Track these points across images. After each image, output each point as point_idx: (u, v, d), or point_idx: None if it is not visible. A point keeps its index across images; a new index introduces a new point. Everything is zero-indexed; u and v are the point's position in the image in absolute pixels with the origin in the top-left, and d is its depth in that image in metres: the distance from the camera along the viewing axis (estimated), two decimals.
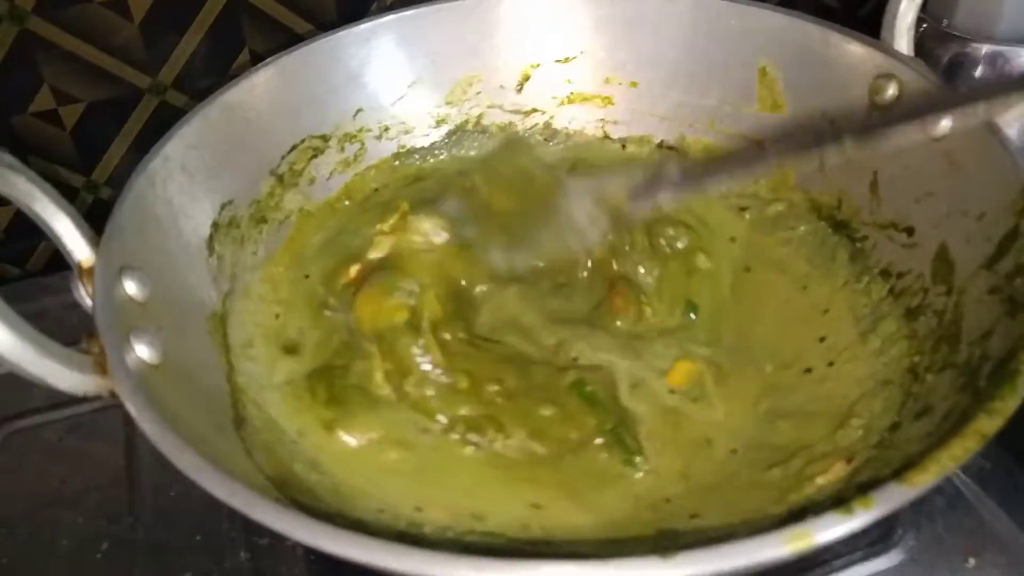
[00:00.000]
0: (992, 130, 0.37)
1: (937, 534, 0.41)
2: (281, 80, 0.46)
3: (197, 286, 0.39)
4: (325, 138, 0.48)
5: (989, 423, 0.26)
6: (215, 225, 0.41)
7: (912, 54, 0.43)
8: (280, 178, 0.46)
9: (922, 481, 0.25)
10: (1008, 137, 0.37)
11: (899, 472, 0.25)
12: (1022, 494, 0.42)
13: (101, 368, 0.29)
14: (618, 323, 0.41)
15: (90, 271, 0.33)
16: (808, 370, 0.39)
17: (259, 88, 0.45)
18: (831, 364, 0.39)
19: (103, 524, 0.40)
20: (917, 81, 0.41)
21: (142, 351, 0.32)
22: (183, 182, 0.40)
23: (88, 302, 0.33)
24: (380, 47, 0.49)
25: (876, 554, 0.40)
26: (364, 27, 0.48)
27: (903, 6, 0.43)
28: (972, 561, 0.40)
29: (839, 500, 0.25)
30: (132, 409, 0.28)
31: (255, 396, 0.37)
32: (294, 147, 0.47)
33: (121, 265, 0.34)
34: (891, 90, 0.42)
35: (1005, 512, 0.41)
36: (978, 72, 0.58)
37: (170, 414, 0.30)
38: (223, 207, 0.42)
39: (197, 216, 0.41)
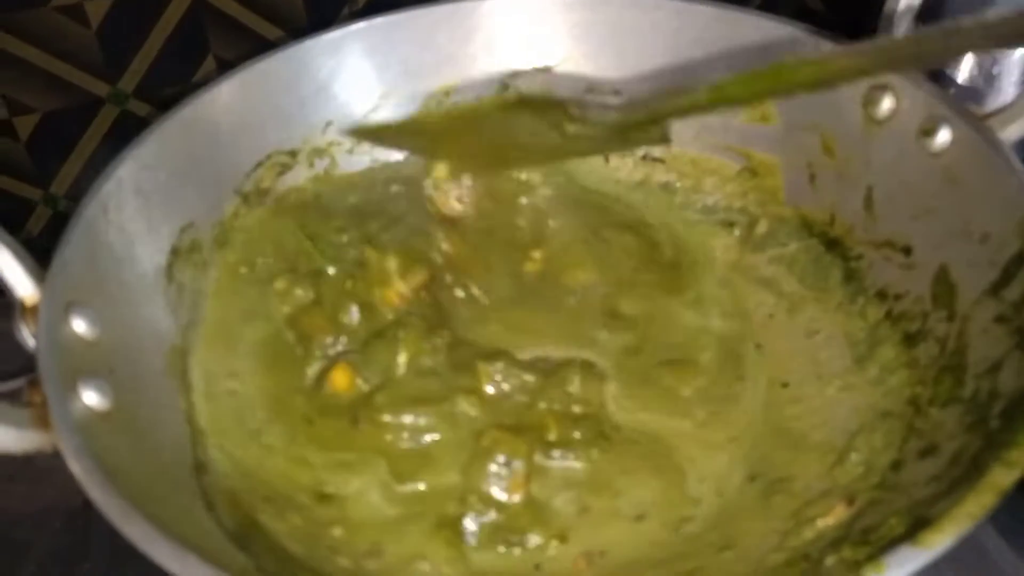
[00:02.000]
0: (994, 145, 0.36)
1: (936, 567, 0.39)
2: (244, 93, 0.43)
3: (154, 319, 0.36)
4: (293, 153, 0.45)
5: (1006, 475, 0.24)
6: (175, 251, 0.39)
7: None
8: (245, 197, 0.43)
9: (938, 543, 0.23)
10: (1012, 154, 0.35)
11: (911, 532, 0.23)
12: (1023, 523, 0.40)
13: (42, 421, 0.27)
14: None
15: (34, 309, 0.31)
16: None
17: (220, 102, 0.42)
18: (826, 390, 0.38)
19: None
20: (913, 93, 0.39)
21: (90, 397, 0.30)
22: (138, 206, 0.38)
23: (31, 344, 0.30)
24: (350, 56, 0.46)
25: None
26: (332, 36, 0.45)
27: (899, 15, 0.41)
28: None
29: (848, 563, 0.23)
30: (77, 470, 0.26)
31: (218, 438, 0.35)
32: (259, 164, 0.44)
33: (69, 301, 0.32)
34: (887, 102, 0.40)
35: (1007, 543, 0.40)
36: (966, 74, 0.56)
37: (121, 469, 0.28)
38: (183, 230, 0.40)
39: (154, 242, 0.38)
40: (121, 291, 0.35)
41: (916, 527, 0.24)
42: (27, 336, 0.31)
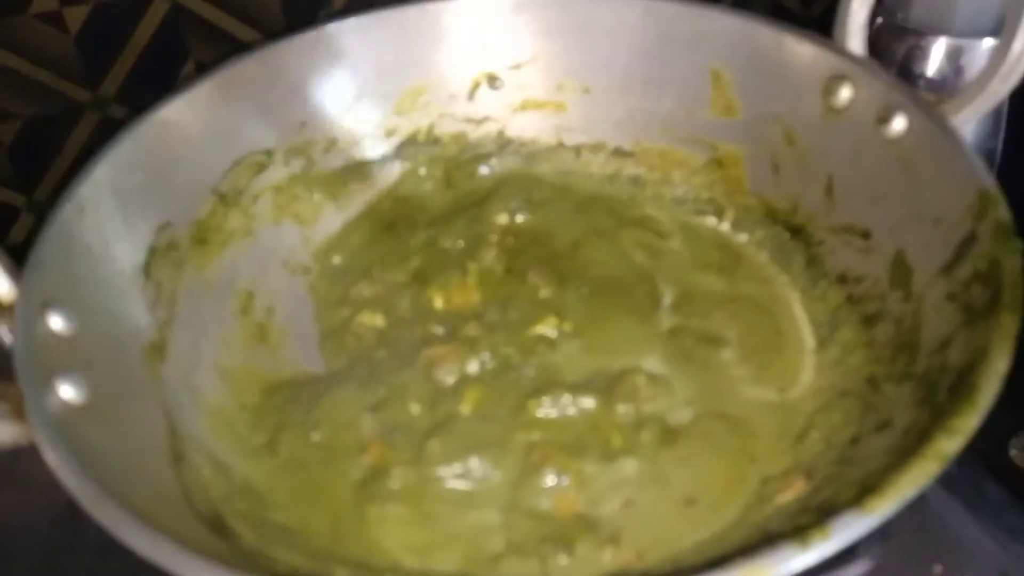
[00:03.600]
0: (947, 131, 0.37)
1: (902, 543, 0.40)
2: (219, 95, 0.44)
3: (132, 316, 0.37)
4: (269, 153, 0.46)
5: (949, 443, 0.25)
6: (152, 250, 0.40)
7: (866, 54, 0.42)
8: (222, 197, 0.44)
9: (880, 507, 0.24)
10: (963, 139, 0.36)
11: (857, 498, 0.24)
12: (989, 500, 0.41)
13: (18, 415, 0.28)
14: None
15: (11, 308, 0.32)
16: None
17: (195, 104, 0.43)
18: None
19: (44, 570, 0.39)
20: (870, 81, 0.40)
21: (67, 392, 0.30)
22: (115, 207, 0.38)
23: (7, 341, 0.31)
24: (323, 58, 0.47)
25: (839, 566, 0.39)
26: (304, 38, 0.46)
27: (855, 4, 0.42)
28: (939, 568, 0.39)
29: (795, 529, 0.24)
30: (51, 459, 0.26)
31: (193, 431, 0.35)
32: (237, 163, 0.45)
33: (44, 300, 0.32)
34: (845, 92, 0.41)
35: (972, 518, 0.40)
36: (935, 66, 0.57)
37: (98, 459, 0.28)
38: (160, 230, 0.40)
39: (131, 241, 0.39)
40: (98, 289, 0.36)
41: (861, 493, 0.24)
42: (5, 333, 0.32)
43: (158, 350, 0.37)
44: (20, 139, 0.59)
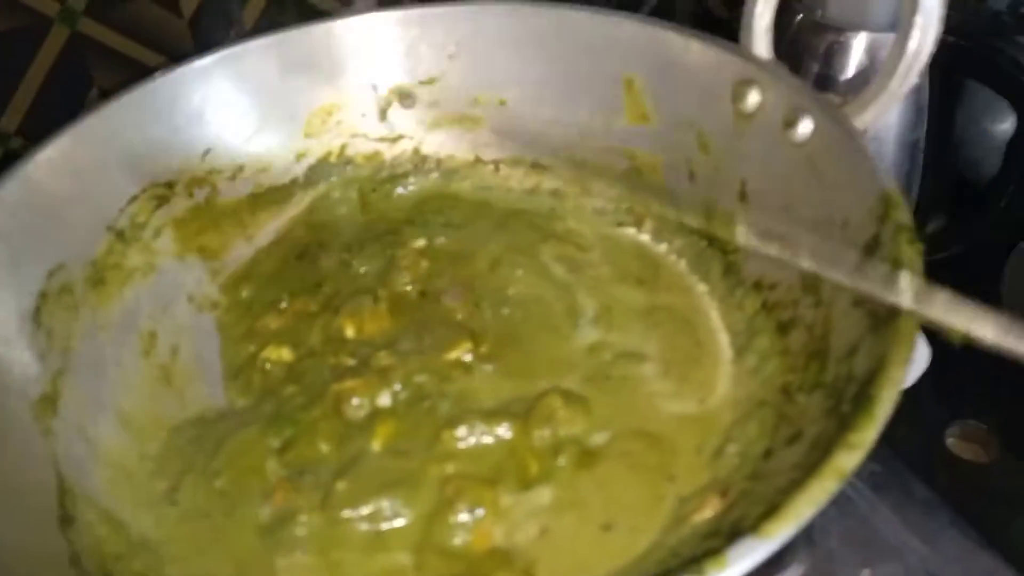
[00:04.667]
0: (850, 133, 0.36)
1: (830, 549, 0.40)
2: (113, 126, 0.42)
3: (18, 368, 0.35)
4: (170, 185, 0.44)
5: (848, 458, 0.25)
6: (42, 294, 0.38)
7: (772, 57, 0.42)
8: (120, 234, 0.42)
9: (778, 531, 0.23)
10: (866, 141, 0.36)
11: (754, 523, 0.24)
12: (915, 500, 0.41)
13: None
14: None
15: None
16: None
17: (87, 138, 0.41)
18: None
19: None
20: (776, 85, 0.40)
21: None
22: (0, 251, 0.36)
23: None
24: (224, 82, 0.46)
25: (772, 573, 0.39)
26: (202, 63, 0.45)
27: (759, 8, 0.41)
28: (867, 572, 0.39)
29: (691, 560, 0.23)
30: None
31: (87, 486, 0.33)
32: (135, 197, 0.43)
33: None
34: (752, 96, 0.41)
35: (898, 519, 0.40)
36: (854, 61, 0.58)
37: None
38: (52, 273, 0.38)
39: (19, 286, 0.37)
40: None
41: (763, 516, 0.24)
42: None
43: (50, 402, 0.35)
44: None
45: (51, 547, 0.30)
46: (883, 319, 0.30)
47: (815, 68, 0.57)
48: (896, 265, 0.30)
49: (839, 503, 0.41)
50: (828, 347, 0.33)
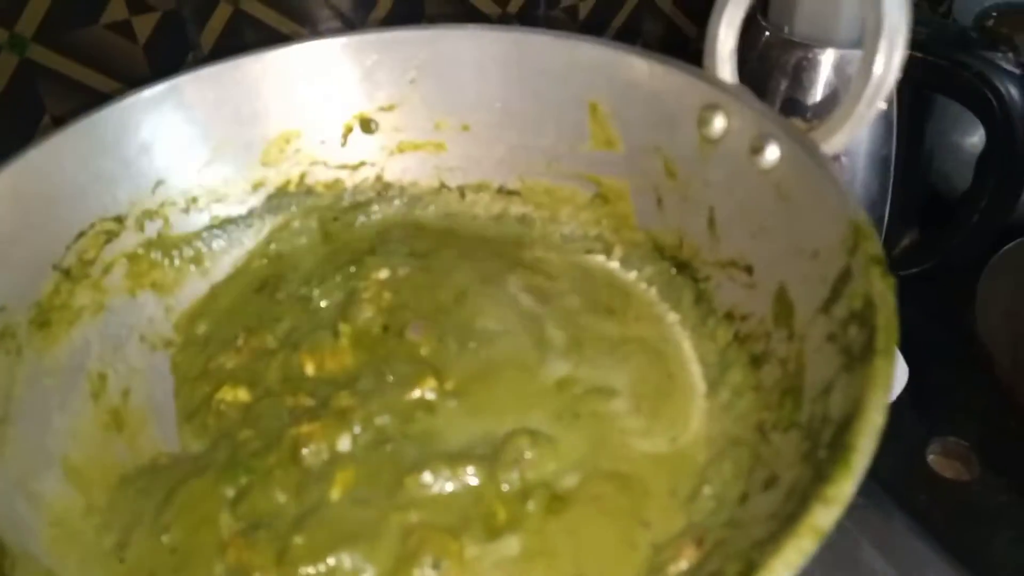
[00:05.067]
0: (818, 160, 0.35)
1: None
2: (57, 160, 0.40)
3: None
4: (119, 219, 0.43)
5: (825, 515, 0.23)
6: None
7: (737, 80, 0.41)
8: (66, 272, 0.40)
9: None
10: (835, 168, 0.35)
11: None
12: (898, 534, 0.40)
13: None
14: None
15: None
16: None
17: (29, 173, 0.39)
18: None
19: None
20: (741, 110, 0.39)
21: None
22: None
23: None
24: (174, 111, 0.44)
25: None
26: (150, 92, 0.43)
27: (721, 32, 0.41)
28: None
29: None
30: None
31: (28, 546, 0.31)
32: (82, 233, 0.41)
33: None
34: (718, 122, 0.40)
35: (881, 555, 0.39)
36: (823, 77, 0.57)
37: None
38: None
39: None
40: None
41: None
42: None
43: None
44: None
45: None
46: (857, 357, 0.29)
47: (783, 85, 0.57)
48: (868, 301, 0.30)
49: None
50: (802, 384, 0.32)
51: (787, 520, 0.25)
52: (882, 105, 0.37)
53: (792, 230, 0.36)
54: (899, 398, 0.42)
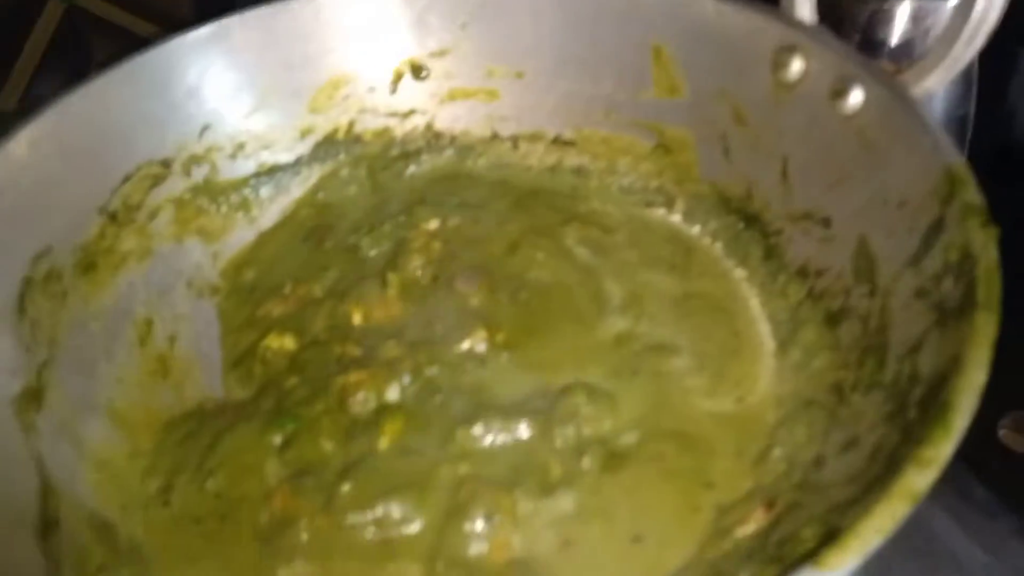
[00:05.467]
0: (907, 104, 0.33)
1: (884, 556, 0.36)
2: (102, 102, 0.39)
3: (1, 360, 0.32)
4: (166, 163, 0.42)
5: (921, 478, 0.21)
6: (27, 281, 0.35)
7: (816, 22, 0.38)
8: (112, 216, 0.39)
9: (840, 563, 0.20)
10: (926, 111, 0.32)
11: (813, 550, 0.20)
12: (977, 506, 0.38)
13: None
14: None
15: None
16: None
17: (74, 115, 0.38)
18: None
19: None
20: (822, 52, 0.36)
21: None
22: None
23: None
24: (222, 54, 0.42)
25: None
26: (197, 35, 0.42)
27: None
28: None
29: None
30: None
31: (73, 487, 0.31)
32: (128, 177, 0.40)
33: None
34: (795, 64, 0.37)
35: (957, 525, 0.37)
36: (900, 31, 0.54)
37: None
38: (37, 258, 0.36)
39: (2, 273, 0.34)
40: None
41: (822, 543, 0.20)
42: None
43: (33, 397, 0.33)
44: None
45: (29, 559, 0.27)
46: (951, 313, 0.26)
47: (854, 39, 0.54)
48: (965, 253, 0.27)
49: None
50: (886, 342, 0.30)
51: (873, 483, 0.23)
52: (980, 45, 0.34)
53: (876, 179, 0.33)
54: None
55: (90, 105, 0.39)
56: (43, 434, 0.32)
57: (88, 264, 0.38)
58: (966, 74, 0.53)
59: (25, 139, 0.36)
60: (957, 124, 0.55)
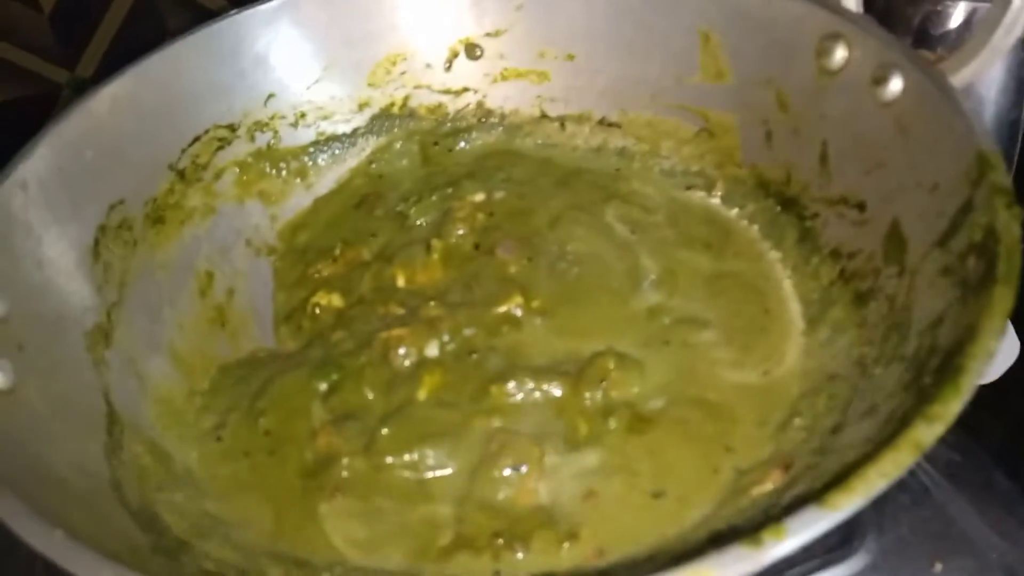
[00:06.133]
0: (945, 91, 0.33)
1: (902, 536, 0.38)
2: (177, 67, 0.42)
3: (76, 298, 0.35)
4: (232, 127, 0.44)
5: (927, 431, 0.22)
6: (102, 229, 0.38)
7: (860, 10, 0.39)
8: (181, 173, 0.42)
9: (844, 503, 0.21)
10: (962, 98, 0.33)
11: (820, 492, 0.22)
12: (995, 492, 0.38)
13: None
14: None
15: None
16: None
17: (151, 77, 0.41)
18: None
19: None
20: (865, 40, 0.37)
21: None
22: (61, 184, 0.37)
23: None
24: (289, 27, 0.45)
25: (835, 561, 0.36)
26: (269, 7, 0.44)
27: None
28: (939, 566, 0.36)
29: (749, 528, 0.21)
30: None
31: (135, 417, 0.33)
32: (197, 138, 0.43)
33: None
34: (839, 52, 0.38)
35: (976, 512, 0.38)
36: (955, 32, 0.54)
37: (13, 447, 0.27)
38: (112, 208, 0.39)
39: (79, 220, 0.37)
40: (39, 270, 0.34)
41: (826, 487, 0.22)
42: None
43: (104, 334, 0.36)
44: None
45: (92, 473, 0.30)
46: (973, 288, 0.27)
47: (908, 17, 0.54)
48: (989, 231, 0.28)
49: (913, 491, 0.38)
50: (910, 319, 0.30)
51: (884, 442, 0.24)
52: (1019, 34, 0.34)
53: (910, 164, 0.34)
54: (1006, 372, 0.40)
55: (165, 70, 0.42)
56: (111, 368, 0.35)
57: (157, 217, 0.41)
58: (1019, 75, 0.53)
59: (107, 98, 0.39)
60: (1009, 128, 0.55)
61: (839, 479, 0.22)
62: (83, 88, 0.57)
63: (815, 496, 0.22)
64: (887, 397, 0.28)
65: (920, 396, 0.25)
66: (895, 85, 0.35)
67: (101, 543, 0.23)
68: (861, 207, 0.37)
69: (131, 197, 0.40)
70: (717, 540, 0.23)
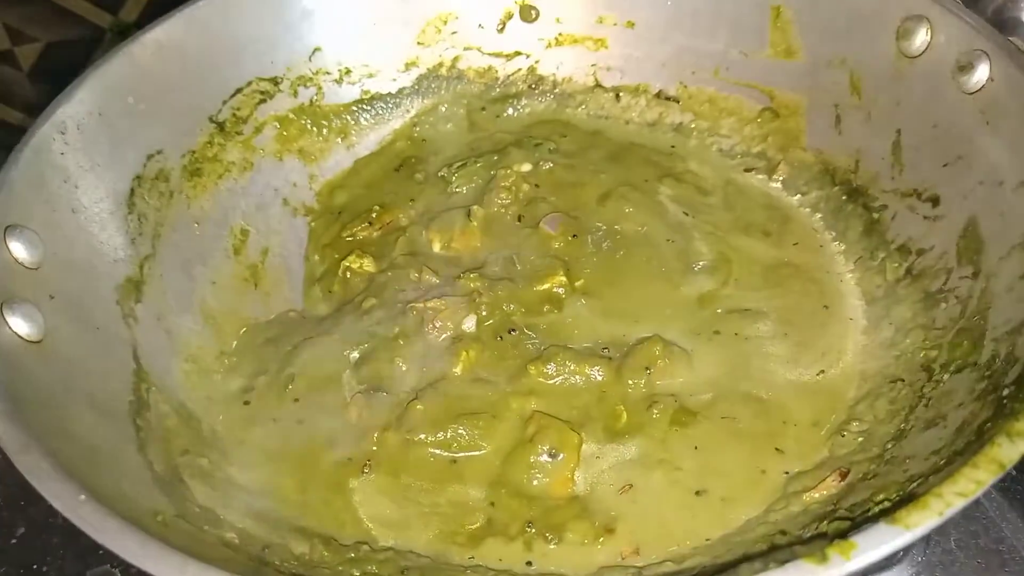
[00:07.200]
0: None
1: (949, 550, 0.36)
2: (223, 16, 0.41)
3: (109, 248, 0.34)
4: (275, 81, 0.43)
5: (1010, 449, 0.21)
6: (138, 179, 0.37)
7: None
8: (221, 126, 0.41)
9: (919, 522, 0.20)
10: None
11: (892, 508, 0.20)
12: None
13: None
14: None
15: None
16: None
17: (197, 25, 0.40)
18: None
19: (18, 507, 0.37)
20: (951, 23, 0.34)
21: (18, 324, 0.28)
22: (100, 130, 0.36)
23: None
24: None
25: (878, 570, 0.35)
26: None
27: None
28: None
29: (814, 540, 0.20)
30: None
31: (163, 376, 0.33)
32: (238, 91, 0.41)
33: (8, 224, 0.30)
34: (921, 35, 0.35)
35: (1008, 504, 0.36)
36: None
37: (41, 402, 0.26)
38: (150, 158, 0.37)
39: (116, 168, 0.36)
40: (73, 217, 0.33)
41: (897, 504, 0.20)
42: None
43: (135, 287, 0.35)
44: (41, 63, 0.57)
45: (122, 431, 0.29)
46: None
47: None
48: None
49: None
50: (984, 324, 0.29)
51: (956, 456, 0.22)
52: None
53: (993, 159, 0.32)
54: None
55: (211, 18, 0.40)
56: (141, 323, 0.34)
57: (194, 169, 0.39)
58: None
59: (150, 43, 0.38)
60: None
61: (911, 495, 0.20)
62: (126, 32, 0.56)
63: (886, 512, 0.20)
64: (957, 407, 0.26)
65: (998, 409, 0.24)
66: (980, 73, 0.33)
67: (125, 507, 0.23)
68: (935, 202, 0.34)
69: (169, 148, 0.38)
70: (774, 550, 0.21)
